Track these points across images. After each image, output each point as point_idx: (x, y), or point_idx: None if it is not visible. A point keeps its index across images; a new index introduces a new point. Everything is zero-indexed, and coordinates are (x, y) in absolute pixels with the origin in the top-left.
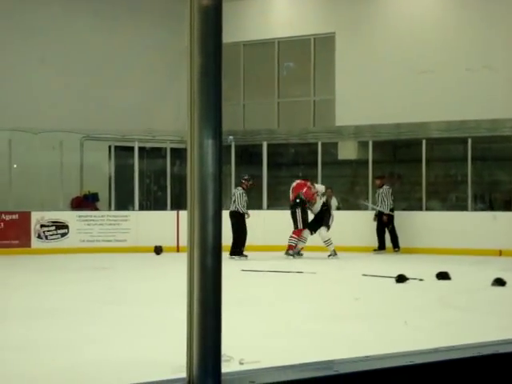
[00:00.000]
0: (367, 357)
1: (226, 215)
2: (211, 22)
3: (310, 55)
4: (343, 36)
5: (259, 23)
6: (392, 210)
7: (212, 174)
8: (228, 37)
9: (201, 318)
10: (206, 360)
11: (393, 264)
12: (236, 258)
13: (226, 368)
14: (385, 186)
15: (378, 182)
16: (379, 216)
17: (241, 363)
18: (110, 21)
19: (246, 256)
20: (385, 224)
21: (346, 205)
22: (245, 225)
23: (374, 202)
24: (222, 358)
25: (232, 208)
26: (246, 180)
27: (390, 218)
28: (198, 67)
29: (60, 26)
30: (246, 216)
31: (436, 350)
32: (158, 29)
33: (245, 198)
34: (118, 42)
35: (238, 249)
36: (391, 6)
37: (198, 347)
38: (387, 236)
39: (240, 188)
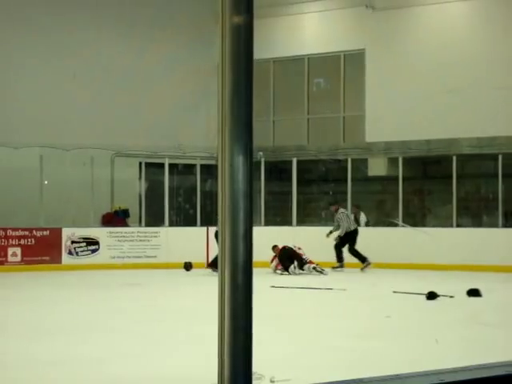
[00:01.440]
0: (397, 375)
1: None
2: (242, 40)
3: (340, 71)
4: (373, 52)
5: (289, 40)
6: (355, 230)
7: (243, 191)
8: (258, 53)
9: (232, 335)
10: (237, 378)
11: (424, 281)
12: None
13: None
14: (340, 210)
15: (333, 208)
16: (342, 237)
17: (272, 381)
18: (141, 38)
19: None
20: (340, 244)
21: (376, 221)
22: None
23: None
24: (254, 376)
25: None
26: None
27: (344, 239)
28: (230, 84)
29: (92, 44)
30: None
31: (465, 368)
32: (188, 45)
33: None
34: (149, 59)
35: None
36: (421, 23)
37: (229, 365)
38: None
39: None
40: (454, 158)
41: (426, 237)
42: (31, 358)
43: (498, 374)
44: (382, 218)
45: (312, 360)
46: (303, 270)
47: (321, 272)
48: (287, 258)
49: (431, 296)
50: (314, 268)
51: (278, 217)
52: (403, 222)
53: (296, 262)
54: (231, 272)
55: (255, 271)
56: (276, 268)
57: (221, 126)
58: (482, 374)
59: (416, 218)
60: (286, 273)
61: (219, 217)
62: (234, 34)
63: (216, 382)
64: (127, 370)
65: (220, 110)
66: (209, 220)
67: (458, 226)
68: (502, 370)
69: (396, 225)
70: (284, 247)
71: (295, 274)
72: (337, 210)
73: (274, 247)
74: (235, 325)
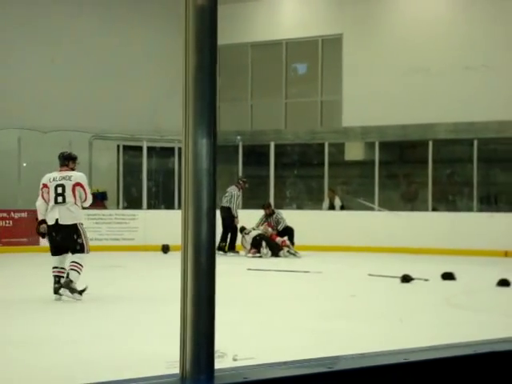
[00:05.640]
0: (362, 354)
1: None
2: (206, 22)
3: (318, 56)
4: (350, 37)
5: (267, 24)
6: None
7: (206, 170)
8: (236, 38)
9: (194, 314)
10: (199, 356)
11: (400, 264)
12: (221, 252)
13: (219, 364)
14: (275, 211)
15: (267, 210)
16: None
17: (234, 359)
18: (118, 22)
19: (237, 252)
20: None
21: (352, 205)
22: (235, 224)
23: None
24: (216, 355)
25: (224, 204)
26: (243, 182)
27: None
28: (193, 66)
29: (70, 27)
30: (235, 221)
31: (430, 348)
32: (166, 29)
33: (238, 200)
34: (127, 42)
35: (226, 244)
36: (398, 7)
37: (191, 343)
38: None
39: (235, 188)
40: (430, 142)
41: (400, 219)
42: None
43: (463, 354)
44: (357, 202)
45: (278, 340)
46: (279, 255)
47: (294, 255)
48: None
49: (406, 279)
50: (288, 251)
51: (256, 200)
52: (379, 206)
53: (266, 247)
54: (194, 250)
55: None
56: (249, 251)
57: (184, 107)
58: (447, 354)
59: (392, 202)
60: (258, 255)
61: (183, 195)
62: (198, 14)
63: (178, 359)
64: (91, 349)
65: (184, 92)
66: None
67: (434, 209)
68: (470, 349)
69: (371, 208)
70: (256, 236)
71: (267, 257)
72: (272, 214)
73: (243, 230)
74: (198, 305)
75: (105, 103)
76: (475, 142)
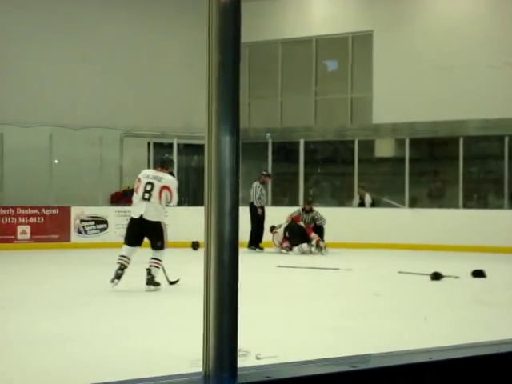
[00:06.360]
0: (386, 353)
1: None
2: (230, 19)
3: (348, 53)
4: (381, 34)
5: (297, 21)
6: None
7: (229, 169)
8: (266, 35)
9: (217, 312)
10: (222, 354)
11: (431, 262)
12: (250, 249)
13: (242, 363)
14: (314, 210)
15: (306, 206)
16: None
17: (257, 358)
18: (150, 18)
19: (262, 249)
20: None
21: (382, 202)
22: (259, 217)
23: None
24: (239, 353)
25: (250, 200)
26: (264, 175)
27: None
28: (216, 64)
29: (102, 24)
30: (258, 210)
31: (455, 347)
32: (197, 25)
33: (260, 192)
34: (157, 39)
35: (254, 241)
36: (428, 4)
37: (214, 341)
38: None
39: (257, 182)
40: (461, 139)
41: (425, 217)
42: (14, 336)
43: (488, 353)
44: (386, 200)
45: (302, 339)
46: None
47: (321, 250)
48: (299, 236)
49: (436, 276)
50: (318, 245)
51: (286, 197)
52: (409, 203)
53: (307, 242)
54: (217, 249)
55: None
56: (281, 246)
57: (208, 105)
58: (471, 353)
59: (422, 199)
60: (291, 252)
61: (205, 194)
62: (221, 12)
63: (201, 357)
64: (115, 346)
65: (207, 89)
66: None
67: (464, 207)
68: (494, 348)
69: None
70: (294, 221)
71: (305, 253)
72: (311, 210)
73: (273, 228)
74: (221, 303)
75: (135, 100)
76: (506, 139)
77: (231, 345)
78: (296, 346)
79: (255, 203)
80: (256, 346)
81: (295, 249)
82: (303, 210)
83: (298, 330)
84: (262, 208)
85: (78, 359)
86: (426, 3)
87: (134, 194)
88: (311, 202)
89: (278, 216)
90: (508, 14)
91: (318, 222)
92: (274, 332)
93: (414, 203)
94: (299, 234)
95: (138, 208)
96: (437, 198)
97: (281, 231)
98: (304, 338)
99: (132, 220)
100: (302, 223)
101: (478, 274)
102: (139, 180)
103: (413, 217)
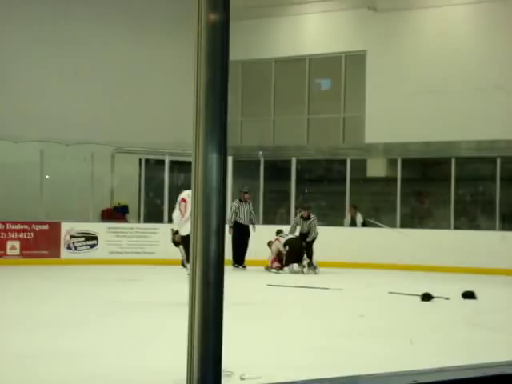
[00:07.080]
0: (373, 375)
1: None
2: (219, 38)
3: (341, 72)
4: (374, 54)
5: (290, 40)
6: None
7: (216, 189)
8: (259, 53)
9: (202, 332)
10: (206, 375)
11: (421, 283)
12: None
13: (226, 383)
14: (312, 216)
15: (304, 213)
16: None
17: (241, 379)
18: (142, 35)
19: (244, 267)
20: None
21: (368, 223)
22: (237, 237)
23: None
24: (223, 373)
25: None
26: (243, 192)
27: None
28: (205, 82)
29: (94, 40)
30: (229, 230)
31: (440, 370)
32: (190, 42)
33: (234, 211)
34: (149, 55)
35: (235, 259)
36: (422, 25)
37: (199, 362)
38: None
39: (237, 200)
40: (453, 160)
41: (403, 237)
42: (10, 351)
43: (473, 376)
44: (373, 221)
45: (288, 359)
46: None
47: (314, 269)
48: (295, 255)
49: (426, 297)
50: (309, 264)
51: (277, 216)
52: (401, 223)
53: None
54: (202, 269)
55: (255, 269)
56: (271, 266)
57: (195, 123)
58: (456, 376)
59: (414, 219)
60: (281, 272)
61: (192, 213)
62: (210, 31)
63: (185, 377)
64: (102, 363)
65: (195, 107)
66: None
67: (456, 228)
68: (479, 371)
69: (391, 226)
70: (290, 241)
71: (301, 272)
72: (309, 217)
73: (270, 243)
74: (205, 321)
75: (127, 117)
76: (498, 160)
77: (215, 366)
78: (283, 366)
79: (228, 223)
80: (242, 365)
81: (286, 269)
82: (301, 217)
83: (285, 351)
84: (236, 226)
85: (63, 376)
86: (420, 24)
87: (178, 212)
88: (309, 207)
89: (270, 234)
90: (499, 39)
91: (308, 238)
92: (262, 352)
93: (404, 223)
94: (296, 253)
95: (188, 226)
96: (423, 218)
97: (280, 244)
98: (291, 358)
99: (183, 238)
100: (304, 243)
101: (469, 295)
102: (183, 200)
103: (399, 238)
